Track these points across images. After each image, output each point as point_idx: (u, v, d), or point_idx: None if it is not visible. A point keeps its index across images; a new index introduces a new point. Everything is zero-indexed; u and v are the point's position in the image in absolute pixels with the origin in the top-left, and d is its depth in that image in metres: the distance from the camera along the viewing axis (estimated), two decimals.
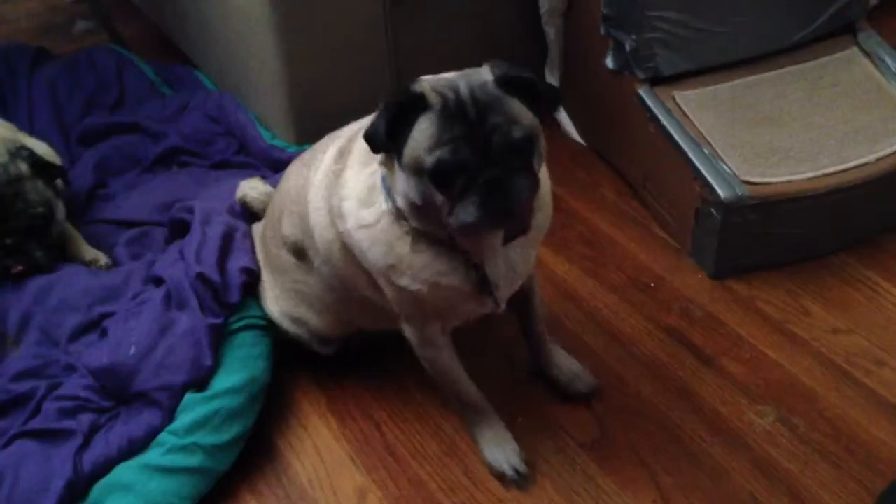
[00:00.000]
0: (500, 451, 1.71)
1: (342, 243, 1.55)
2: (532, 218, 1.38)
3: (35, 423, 1.69)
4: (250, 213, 2.04)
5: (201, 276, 1.82)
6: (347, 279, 1.61)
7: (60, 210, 2.10)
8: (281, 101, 2.29)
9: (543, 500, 1.66)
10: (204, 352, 1.73)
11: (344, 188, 1.50)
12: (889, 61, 2.22)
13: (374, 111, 1.45)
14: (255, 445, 1.77)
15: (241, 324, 1.83)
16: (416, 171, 1.33)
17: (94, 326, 1.88)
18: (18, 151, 2.03)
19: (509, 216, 1.34)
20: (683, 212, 2.12)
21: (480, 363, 1.88)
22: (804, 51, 2.25)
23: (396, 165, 1.37)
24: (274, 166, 2.27)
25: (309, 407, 1.87)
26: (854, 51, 2.27)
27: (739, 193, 1.95)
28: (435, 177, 1.31)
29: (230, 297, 1.83)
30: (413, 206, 1.38)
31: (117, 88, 2.68)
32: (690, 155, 2.04)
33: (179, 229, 2.04)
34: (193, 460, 1.63)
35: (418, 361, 1.69)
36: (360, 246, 1.49)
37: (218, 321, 1.79)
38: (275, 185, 1.97)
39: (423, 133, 1.32)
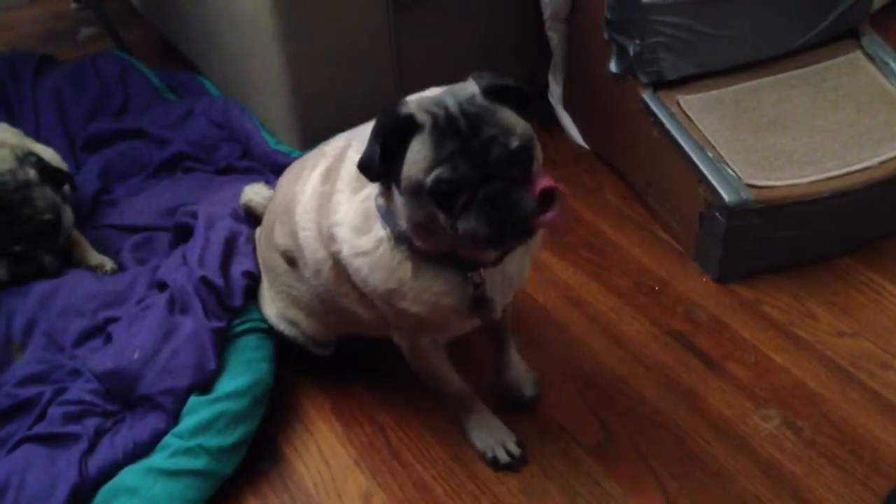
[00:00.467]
0: (491, 436, 1.73)
1: (333, 262, 1.55)
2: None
3: (40, 428, 1.69)
4: (254, 218, 2.04)
5: (205, 280, 1.82)
6: (337, 295, 1.62)
7: (68, 216, 2.10)
8: (285, 107, 2.29)
9: None
10: (208, 355, 1.74)
11: (336, 214, 1.50)
12: (893, 64, 2.22)
13: (376, 116, 1.46)
14: (260, 449, 1.77)
15: (244, 327, 1.83)
16: (416, 193, 1.31)
17: (99, 331, 1.88)
18: (26, 157, 2.04)
19: (516, 229, 1.31)
20: (687, 216, 2.12)
21: (481, 369, 1.88)
22: (808, 55, 2.25)
23: (395, 191, 1.36)
24: (278, 171, 2.25)
25: (314, 411, 1.87)
26: (857, 54, 2.27)
27: (744, 197, 1.95)
28: (436, 196, 1.29)
29: (233, 301, 1.84)
30: (418, 228, 1.37)
31: (122, 94, 2.69)
32: (694, 159, 2.04)
33: (183, 234, 2.05)
34: (198, 463, 1.63)
35: None
36: (360, 273, 1.49)
37: (221, 325, 1.79)
38: None
39: (417, 155, 1.30)
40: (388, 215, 1.43)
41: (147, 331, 1.77)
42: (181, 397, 1.70)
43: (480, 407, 1.76)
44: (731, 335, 1.97)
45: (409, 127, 1.31)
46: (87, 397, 1.73)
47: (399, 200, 1.36)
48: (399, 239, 1.43)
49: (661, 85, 2.17)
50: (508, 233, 1.30)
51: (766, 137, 2.08)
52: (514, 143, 1.29)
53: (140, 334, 1.77)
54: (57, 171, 2.10)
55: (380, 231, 1.45)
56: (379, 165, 1.32)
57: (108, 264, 2.10)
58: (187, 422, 1.67)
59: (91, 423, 1.69)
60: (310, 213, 1.57)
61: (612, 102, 2.33)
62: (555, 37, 2.43)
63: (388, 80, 2.33)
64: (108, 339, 1.83)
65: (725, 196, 1.96)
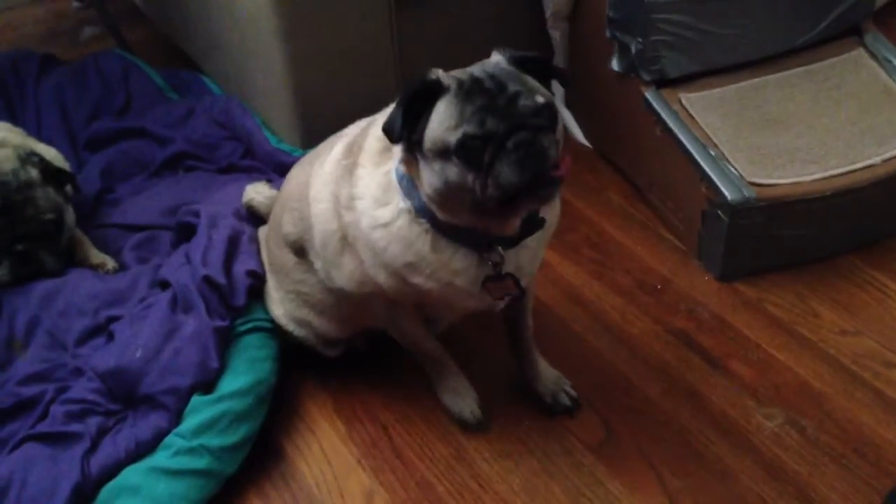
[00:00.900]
0: (461, 398, 1.78)
1: (341, 236, 1.55)
2: (563, 182, 1.36)
3: (43, 427, 1.69)
4: (256, 217, 2.04)
5: (207, 279, 1.82)
6: (330, 270, 1.61)
7: (70, 216, 2.10)
8: (287, 106, 2.29)
9: (551, 503, 1.66)
10: (210, 354, 1.73)
11: (356, 186, 1.50)
12: (895, 62, 2.21)
13: (377, 113, 1.46)
14: (263, 448, 1.77)
15: (247, 326, 1.83)
16: (442, 153, 1.32)
17: (101, 330, 1.88)
18: (29, 157, 2.04)
19: (545, 178, 1.32)
20: (690, 214, 2.11)
21: (486, 367, 1.89)
22: (810, 52, 2.24)
23: (419, 158, 1.37)
24: (280, 170, 2.27)
25: (316, 410, 1.87)
26: (860, 52, 2.26)
27: (746, 195, 1.95)
28: (463, 153, 1.30)
29: (236, 300, 1.84)
30: (441, 196, 1.37)
31: (124, 94, 2.69)
32: (697, 157, 2.04)
33: (186, 233, 2.05)
34: (200, 462, 1.63)
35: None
36: (377, 245, 1.48)
37: (224, 324, 1.79)
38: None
39: (443, 115, 1.32)
40: (409, 188, 1.43)
41: (150, 329, 1.77)
42: (184, 396, 1.70)
43: (452, 368, 1.79)
44: (733, 334, 1.96)
45: (434, 91, 1.33)
46: (90, 396, 1.73)
47: (424, 167, 1.37)
48: (420, 212, 1.43)
49: (663, 83, 2.16)
50: (540, 181, 1.31)
51: (768, 135, 2.08)
52: (540, 100, 1.33)
53: (142, 333, 1.77)
54: (59, 171, 2.10)
55: (400, 203, 1.45)
56: (402, 126, 1.33)
57: (110, 263, 2.10)
58: (190, 421, 1.67)
59: (93, 422, 1.69)
60: (328, 185, 1.57)
61: (614, 101, 2.33)
62: (557, 35, 2.43)
63: (390, 79, 2.33)
64: (111, 337, 1.83)
65: (728, 194, 1.96)
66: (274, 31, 2.14)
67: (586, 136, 2.54)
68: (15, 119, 2.53)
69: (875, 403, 1.79)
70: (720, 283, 2.09)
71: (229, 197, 2.10)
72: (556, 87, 2.54)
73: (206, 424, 1.66)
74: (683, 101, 2.14)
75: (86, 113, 2.63)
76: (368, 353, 1.92)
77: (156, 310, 1.82)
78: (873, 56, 2.25)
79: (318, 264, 1.66)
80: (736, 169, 1.99)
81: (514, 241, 1.47)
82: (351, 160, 1.54)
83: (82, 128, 2.59)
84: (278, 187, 2.03)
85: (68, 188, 2.13)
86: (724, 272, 2.08)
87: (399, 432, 1.82)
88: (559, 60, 2.48)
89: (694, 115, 2.11)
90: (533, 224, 1.47)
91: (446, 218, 1.42)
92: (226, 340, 1.79)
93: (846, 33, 2.28)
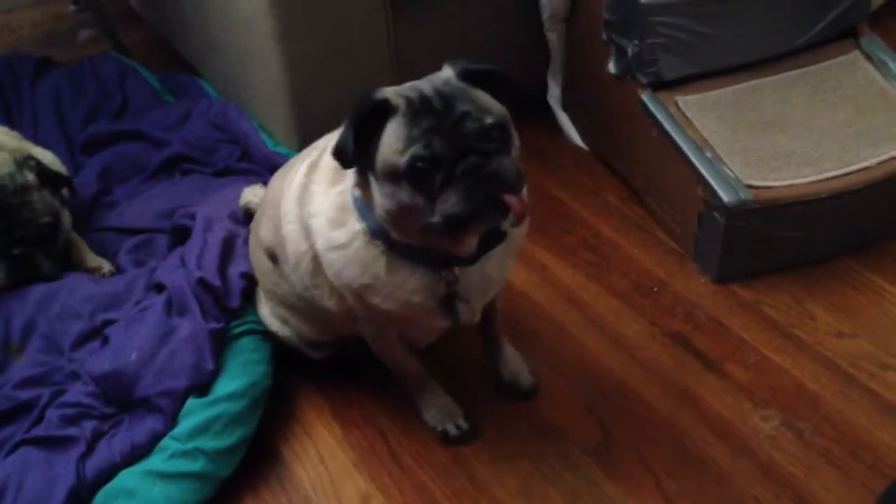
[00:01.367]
0: (442, 412, 1.77)
1: (312, 256, 1.54)
2: (525, 206, 1.34)
3: (38, 431, 1.69)
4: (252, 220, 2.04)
5: (202, 282, 1.82)
6: (312, 287, 1.60)
7: (67, 219, 2.10)
8: (283, 109, 2.29)
9: None
10: (205, 357, 1.73)
11: (311, 205, 1.49)
12: (891, 64, 2.21)
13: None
14: (259, 452, 1.77)
15: (242, 329, 1.83)
16: (392, 177, 1.31)
17: (97, 334, 1.88)
18: (25, 161, 2.04)
19: (496, 205, 1.30)
20: (687, 216, 2.12)
21: (479, 372, 1.89)
22: (806, 55, 2.24)
23: (371, 179, 1.36)
24: None
25: (313, 414, 1.87)
26: (856, 54, 2.26)
27: (742, 197, 1.95)
28: (412, 177, 1.28)
29: (231, 303, 1.84)
30: (394, 218, 1.36)
31: (120, 96, 2.69)
32: (693, 159, 2.04)
33: (181, 235, 2.04)
34: (196, 465, 1.63)
35: None
36: (333, 266, 1.48)
37: (219, 326, 1.79)
38: None
39: (392, 137, 1.30)
40: (363, 208, 1.42)
41: (144, 332, 1.77)
42: (179, 399, 1.70)
43: (433, 387, 1.79)
44: (730, 336, 1.96)
45: (383, 112, 1.31)
46: (85, 400, 1.72)
47: (376, 189, 1.35)
48: (375, 233, 1.42)
49: (659, 86, 2.16)
50: (486, 208, 1.29)
51: (764, 138, 2.08)
52: (488, 120, 1.30)
53: (137, 336, 1.77)
54: (56, 174, 2.10)
55: (355, 225, 1.43)
56: (353, 151, 1.31)
57: (106, 266, 2.09)
58: (185, 424, 1.67)
59: (89, 426, 1.69)
60: (294, 206, 1.56)
61: (610, 103, 2.33)
62: (553, 38, 2.43)
63: (387, 81, 2.29)
64: (106, 341, 1.83)
65: (724, 196, 1.96)
66: (270, 33, 2.14)
67: (583, 138, 2.54)
68: (11, 122, 2.53)
69: (871, 405, 1.79)
70: (717, 286, 2.09)
71: (225, 200, 2.10)
72: (553, 88, 2.54)
73: (201, 427, 1.66)
74: (680, 104, 2.14)
75: (82, 116, 2.63)
76: (364, 356, 1.91)
77: (151, 313, 1.82)
78: (869, 58, 2.25)
79: (293, 277, 1.65)
80: (732, 171, 2.00)
81: (472, 259, 1.45)
82: (308, 179, 1.53)
83: (79, 131, 2.59)
84: None
85: (65, 191, 2.13)
86: (720, 274, 2.08)
87: (396, 436, 1.81)
88: (555, 62, 2.48)
89: (690, 117, 2.11)
90: (493, 239, 1.45)
91: (401, 239, 1.40)
92: (221, 343, 1.79)
93: (842, 36, 2.28)
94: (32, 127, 2.59)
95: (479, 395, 1.82)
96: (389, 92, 1.33)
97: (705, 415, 1.80)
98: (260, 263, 1.79)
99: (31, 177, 2.02)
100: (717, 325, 1.99)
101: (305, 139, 2.26)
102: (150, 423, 1.68)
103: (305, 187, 1.52)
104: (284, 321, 1.83)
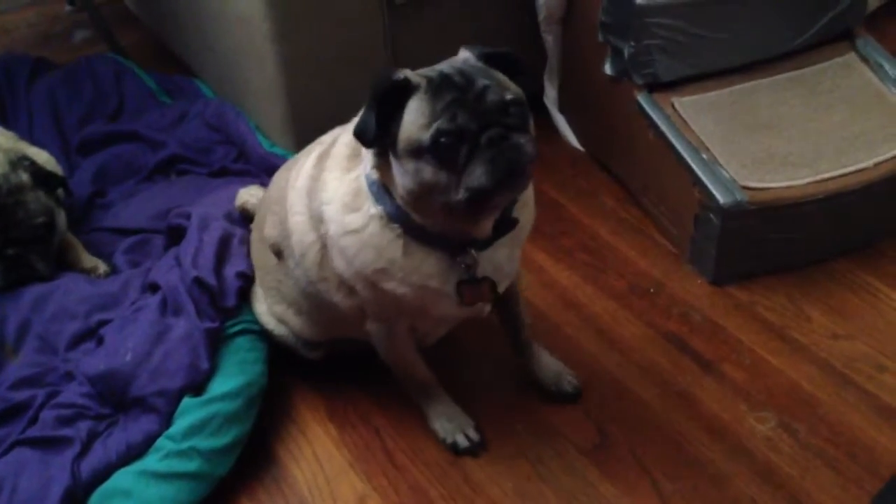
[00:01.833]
0: (451, 423, 1.75)
1: (320, 246, 1.54)
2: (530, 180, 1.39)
3: (33, 432, 1.68)
4: (249, 220, 2.04)
5: (198, 281, 1.82)
6: (318, 281, 1.61)
7: (62, 220, 2.10)
8: (280, 109, 2.29)
9: None
10: (200, 356, 1.73)
11: (324, 192, 1.49)
12: (887, 66, 2.22)
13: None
14: (255, 452, 1.76)
15: (237, 328, 1.83)
16: (415, 153, 1.31)
17: (92, 334, 1.87)
18: (19, 161, 2.03)
19: (517, 176, 1.33)
20: (683, 218, 2.12)
21: (478, 372, 1.89)
22: (802, 57, 2.25)
23: (392, 159, 1.36)
24: (273, 173, 2.25)
25: (308, 414, 1.87)
26: (852, 56, 2.27)
27: (738, 199, 1.95)
28: (436, 151, 1.29)
29: (227, 302, 1.84)
30: (415, 197, 1.36)
31: (116, 97, 2.69)
32: (689, 161, 2.04)
33: (176, 235, 2.04)
34: (191, 465, 1.63)
35: None
36: (347, 252, 1.48)
37: (214, 325, 1.79)
38: None
39: (414, 113, 1.31)
40: (379, 192, 1.42)
41: (139, 332, 1.76)
42: (174, 399, 1.69)
43: (442, 396, 1.78)
44: (726, 337, 1.96)
45: (403, 91, 1.33)
46: (80, 400, 1.72)
47: (397, 169, 1.36)
48: (392, 217, 1.42)
49: (655, 87, 2.17)
50: (509, 179, 1.32)
51: (760, 139, 2.08)
52: (508, 95, 1.32)
53: (132, 336, 1.76)
54: (50, 175, 2.09)
55: (371, 209, 1.44)
56: (375, 130, 1.32)
57: (102, 267, 2.09)
58: (180, 424, 1.66)
59: (84, 427, 1.68)
60: (302, 197, 1.57)
61: (607, 105, 2.33)
62: (550, 39, 2.43)
63: None
64: (101, 341, 1.83)
65: (720, 198, 1.96)
66: (266, 33, 2.13)
67: (579, 139, 2.54)
68: (7, 123, 2.52)
69: (867, 407, 1.79)
70: (713, 287, 2.09)
71: (221, 200, 2.09)
72: (550, 89, 2.54)
73: (196, 427, 1.65)
74: (676, 105, 2.14)
75: (78, 116, 2.63)
76: (359, 357, 1.91)
77: (145, 313, 1.81)
78: (865, 61, 2.26)
79: (297, 272, 1.65)
80: (728, 173, 2.00)
81: (487, 243, 1.47)
82: (318, 169, 1.53)
83: (74, 131, 2.59)
84: None
85: (60, 192, 2.13)
86: (716, 276, 2.09)
87: (392, 436, 1.81)
88: (552, 64, 2.48)
89: (686, 118, 2.11)
90: (505, 225, 1.47)
91: (421, 220, 1.41)
92: (216, 342, 1.78)
93: (838, 38, 2.29)
94: (28, 127, 2.58)
95: (477, 396, 1.82)
96: (409, 72, 1.35)
97: (701, 416, 1.80)
98: (264, 261, 1.79)
99: (25, 177, 2.01)
100: (714, 326, 1.99)
101: (301, 140, 2.27)
102: (146, 422, 1.68)
103: (316, 177, 1.52)
104: (281, 320, 1.82)
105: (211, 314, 1.80)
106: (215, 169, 2.39)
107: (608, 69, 2.23)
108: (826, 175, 2.00)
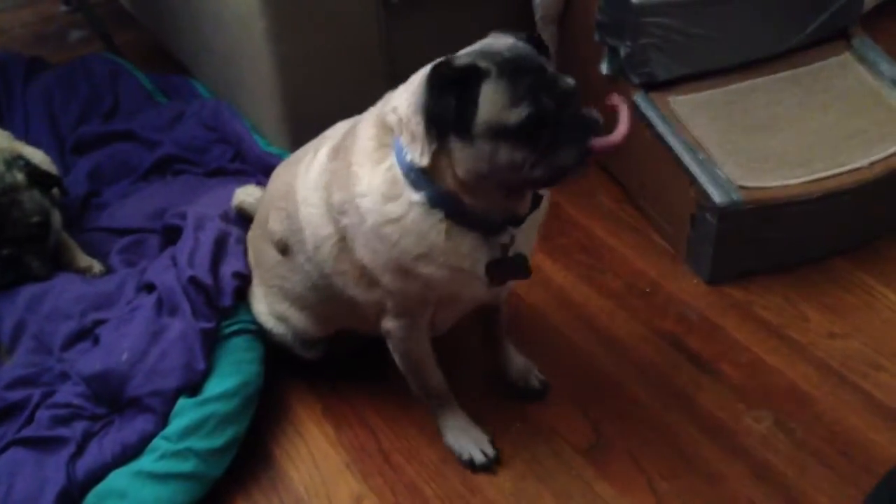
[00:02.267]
0: (467, 437, 1.74)
1: (338, 239, 1.55)
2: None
3: (28, 432, 1.68)
4: (246, 220, 2.03)
5: (194, 281, 1.82)
6: (334, 276, 1.61)
7: (57, 219, 2.09)
8: (276, 108, 2.28)
9: None
10: (196, 356, 1.73)
11: (357, 185, 1.49)
12: (883, 66, 2.22)
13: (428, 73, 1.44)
14: (251, 453, 1.76)
15: (233, 328, 1.83)
16: (496, 134, 1.33)
17: (88, 334, 1.87)
18: (14, 161, 2.02)
19: (590, 152, 1.37)
20: (679, 217, 2.12)
21: (473, 372, 1.88)
22: (798, 56, 2.25)
23: (454, 142, 1.37)
24: (269, 173, 2.24)
25: (304, 414, 1.86)
26: (848, 56, 2.27)
27: (734, 198, 1.95)
28: (520, 132, 1.32)
29: (223, 302, 1.83)
30: (481, 179, 1.38)
31: (112, 97, 2.68)
32: (685, 160, 2.04)
33: (172, 235, 2.04)
34: (187, 466, 1.62)
35: None
36: (388, 240, 1.48)
37: (210, 325, 1.78)
38: None
39: (493, 97, 1.33)
40: (418, 179, 1.43)
41: (135, 332, 1.76)
42: (170, 399, 1.69)
43: (456, 409, 1.77)
44: (722, 336, 1.97)
45: (471, 76, 1.35)
46: (76, 400, 1.72)
47: (464, 151, 1.37)
48: (434, 202, 1.43)
49: (652, 86, 2.17)
50: (586, 157, 1.37)
51: (756, 139, 2.08)
52: (572, 80, 1.38)
53: (128, 336, 1.76)
54: (46, 174, 2.09)
55: (411, 196, 1.44)
56: (453, 114, 1.34)
57: (97, 267, 2.08)
58: (176, 424, 1.66)
59: (79, 427, 1.68)
60: (317, 191, 1.57)
61: (603, 105, 2.32)
62: (546, 38, 2.43)
63: (380, 81, 2.31)
64: (96, 341, 1.82)
65: (716, 197, 1.96)
66: (262, 33, 2.13)
67: None
68: (2, 122, 2.52)
69: (863, 406, 1.79)
70: (709, 286, 2.09)
71: (217, 199, 2.09)
72: None
73: (192, 427, 1.65)
74: (672, 105, 2.14)
75: (73, 116, 2.62)
76: (356, 357, 1.91)
77: (141, 312, 1.81)
78: (861, 60, 2.26)
79: (307, 266, 1.66)
80: (724, 172, 2.00)
81: (520, 221, 1.50)
82: (340, 163, 1.53)
83: (70, 131, 2.58)
84: None
85: (55, 191, 2.12)
86: (713, 275, 2.09)
87: (388, 436, 1.81)
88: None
89: (683, 118, 2.11)
90: (536, 201, 1.52)
91: (472, 202, 1.43)
92: (212, 342, 1.78)
93: (834, 37, 2.29)
94: (23, 127, 2.58)
95: (472, 396, 1.82)
96: (471, 57, 1.37)
97: (698, 415, 1.80)
98: (266, 258, 1.79)
99: (20, 176, 2.01)
100: (710, 325, 1.99)
101: (298, 139, 2.26)
102: (141, 423, 1.68)
103: (340, 172, 1.52)
104: (282, 319, 1.82)
105: (207, 314, 1.80)
106: (211, 169, 2.39)
107: (605, 69, 2.23)
108: (822, 174, 2.00)
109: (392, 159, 1.46)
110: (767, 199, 1.97)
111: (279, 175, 1.80)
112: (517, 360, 1.86)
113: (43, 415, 1.70)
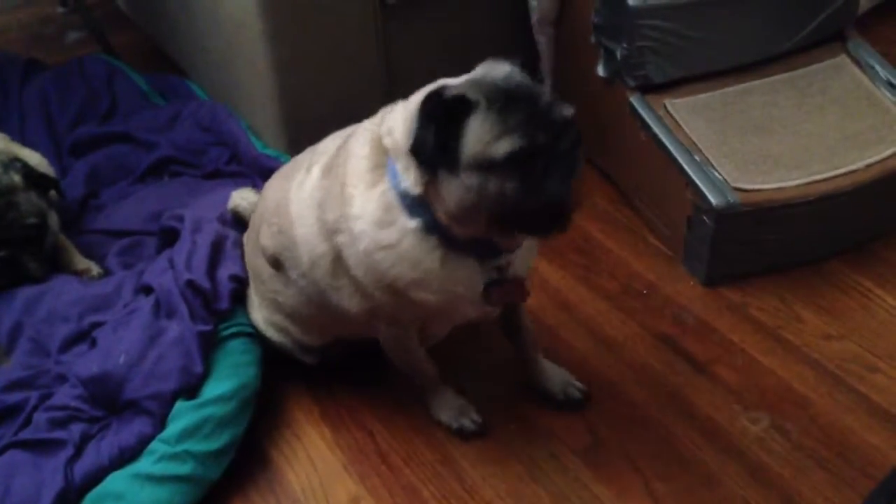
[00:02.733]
0: (455, 410, 1.79)
1: (333, 257, 1.54)
2: None
3: (26, 434, 1.68)
4: (241, 223, 2.03)
5: (191, 284, 1.82)
6: (330, 289, 1.60)
7: (54, 221, 2.09)
8: (273, 110, 2.29)
9: None
10: (194, 359, 1.73)
11: (351, 207, 1.49)
12: (877, 68, 2.23)
13: (364, 118, 1.45)
14: (248, 455, 1.76)
15: (231, 331, 1.83)
16: (483, 167, 1.33)
17: (85, 336, 1.87)
18: (11, 163, 2.03)
19: (577, 186, 1.37)
20: (675, 219, 2.12)
21: (470, 375, 1.89)
22: (794, 58, 2.26)
23: (444, 174, 1.36)
24: (266, 176, 2.23)
25: (302, 416, 1.87)
26: (843, 58, 2.28)
27: (731, 200, 1.96)
28: (511, 165, 1.31)
29: (220, 305, 1.83)
30: (469, 211, 1.37)
31: (109, 98, 2.68)
32: (682, 162, 2.04)
33: (169, 237, 2.03)
34: (184, 468, 1.62)
35: None
36: (380, 266, 1.48)
37: (208, 328, 1.78)
38: None
39: (480, 130, 1.32)
40: (414, 206, 1.43)
41: (133, 335, 1.76)
42: (167, 401, 1.69)
43: (445, 389, 1.81)
44: (718, 338, 1.97)
45: (459, 107, 1.34)
46: (73, 403, 1.71)
47: (451, 183, 1.36)
48: (430, 228, 1.43)
49: (648, 88, 2.17)
50: (573, 191, 1.37)
51: (752, 141, 2.09)
52: (570, 110, 1.36)
53: (126, 339, 1.76)
54: (43, 176, 2.09)
55: (407, 223, 1.44)
56: (435, 146, 1.33)
57: (95, 269, 2.08)
58: (173, 427, 1.66)
59: (77, 429, 1.68)
60: (310, 209, 1.56)
61: (600, 106, 2.33)
62: (543, 41, 2.43)
63: (377, 82, 2.33)
64: (94, 344, 1.82)
65: (712, 199, 1.96)
66: (259, 34, 2.13)
67: None
68: None
69: (859, 407, 1.80)
70: (705, 288, 2.10)
71: (214, 202, 2.09)
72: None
73: (189, 430, 1.65)
74: (668, 107, 2.15)
75: (70, 118, 2.62)
76: (353, 359, 1.91)
77: (138, 315, 1.81)
78: (856, 62, 2.27)
79: (302, 282, 1.65)
80: (720, 174, 2.00)
81: (515, 247, 1.50)
82: (334, 181, 1.52)
83: (67, 132, 2.58)
84: None
85: (52, 193, 2.12)
86: (709, 277, 2.09)
87: (385, 438, 1.81)
88: (545, 66, 2.48)
89: (679, 120, 2.12)
90: None
91: (462, 231, 1.42)
92: (209, 345, 1.78)
93: (829, 39, 2.30)
94: (20, 129, 2.58)
95: (469, 398, 1.82)
96: (462, 88, 1.36)
97: (694, 416, 1.80)
98: (260, 271, 1.79)
99: (17, 178, 2.01)
100: (706, 327, 2.00)
101: (294, 141, 2.28)
102: (139, 425, 1.68)
103: (333, 191, 1.52)
104: (279, 328, 1.82)
105: (204, 317, 1.80)
106: (208, 171, 2.39)
107: (601, 71, 2.23)
108: (818, 177, 2.00)
109: (386, 183, 1.45)
110: (763, 202, 1.97)
111: (271, 188, 1.79)
112: (554, 373, 1.85)
113: (40, 417, 1.70)
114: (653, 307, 2.06)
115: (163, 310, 1.82)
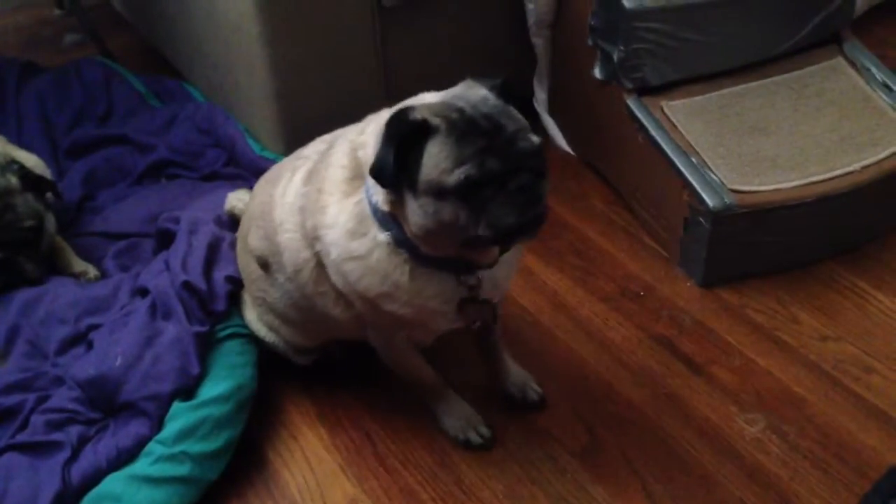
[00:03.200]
0: (462, 420, 1.76)
1: (316, 263, 1.55)
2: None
3: (23, 436, 1.68)
4: (238, 225, 2.03)
5: (187, 285, 1.82)
6: (314, 295, 1.61)
7: (51, 223, 2.09)
8: (270, 113, 2.29)
9: None
10: (190, 360, 1.73)
11: (324, 216, 1.49)
12: (874, 70, 2.24)
13: (385, 124, 1.45)
14: (245, 456, 1.76)
15: (227, 332, 1.83)
16: (437, 194, 1.32)
17: (82, 339, 1.87)
18: (8, 165, 2.03)
19: (539, 220, 1.36)
20: (672, 221, 2.13)
21: (467, 376, 1.88)
22: (790, 60, 2.27)
23: (407, 196, 1.36)
24: None
25: (299, 417, 1.87)
26: (839, 60, 2.29)
27: (727, 202, 1.96)
28: (462, 194, 1.31)
29: (216, 306, 1.84)
30: (430, 234, 1.37)
31: (106, 101, 2.68)
32: (678, 164, 2.05)
33: (165, 239, 2.04)
34: (182, 469, 1.62)
35: None
36: (350, 276, 1.48)
37: (204, 329, 1.79)
38: None
39: (437, 156, 1.32)
40: (385, 219, 1.43)
41: (129, 337, 1.76)
42: (164, 403, 1.69)
43: (450, 394, 1.78)
44: (715, 340, 1.97)
45: (421, 132, 1.33)
46: (70, 405, 1.71)
47: (412, 205, 1.36)
48: (400, 242, 1.43)
49: (645, 91, 2.17)
50: (532, 223, 1.35)
51: (749, 143, 2.09)
52: (536, 140, 1.35)
53: (122, 340, 1.76)
54: (39, 178, 2.08)
55: (377, 235, 1.44)
56: (394, 171, 1.32)
57: (92, 271, 2.08)
58: (170, 428, 1.66)
59: (74, 431, 1.68)
60: (293, 216, 1.56)
61: (597, 108, 2.34)
62: (540, 43, 2.44)
63: (374, 85, 2.33)
64: (90, 346, 1.82)
65: (709, 201, 1.97)
66: (256, 37, 2.13)
67: (569, 143, 2.55)
68: None
69: (856, 408, 1.80)
70: (702, 290, 2.10)
71: (210, 204, 2.09)
72: (540, 93, 2.55)
73: (186, 431, 1.65)
74: (665, 109, 2.15)
75: (67, 120, 2.62)
76: (350, 359, 1.91)
77: (135, 317, 1.81)
78: (852, 64, 2.28)
79: (288, 286, 1.65)
80: (717, 176, 2.01)
81: (492, 263, 1.49)
82: (313, 188, 1.53)
83: (64, 135, 2.58)
84: None
85: (49, 195, 2.12)
86: (705, 278, 2.09)
87: (383, 439, 1.81)
88: (542, 68, 2.49)
89: (676, 122, 2.12)
90: (506, 247, 1.49)
91: (429, 251, 1.42)
92: (206, 346, 1.78)
93: (826, 41, 2.31)
94: (17, 131, 2.57)
95: (467, 400, 1.82)
96: (425, 112, 1.34)
97: (691, 418, 1.80)
98: (249, 271, 1.79)
99: (13, 180, 2.01)
100: (703, 328, 2.00)
101: (292, 143, 2.26)
102: (136, 427, 1.68)
103: (312, 198, 1.52)
104: (271, 327, 1.83)
105: (200, 318, 1.80)
106: (205, 173, 2.39)
107: (598, 73, 2.24)
108: (814, 178, 2.01)
109: (362, 194, 1.45)
110: (760, 203, 1.98)
111: (258, 193, 1.79)
112: (514, 373, 1.85)
113: (38, 420, 1.69)
114: (650, 309, 2.06)
115: (159, 311, 1.82)
